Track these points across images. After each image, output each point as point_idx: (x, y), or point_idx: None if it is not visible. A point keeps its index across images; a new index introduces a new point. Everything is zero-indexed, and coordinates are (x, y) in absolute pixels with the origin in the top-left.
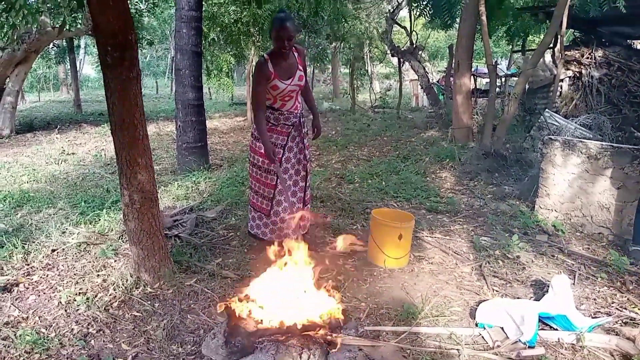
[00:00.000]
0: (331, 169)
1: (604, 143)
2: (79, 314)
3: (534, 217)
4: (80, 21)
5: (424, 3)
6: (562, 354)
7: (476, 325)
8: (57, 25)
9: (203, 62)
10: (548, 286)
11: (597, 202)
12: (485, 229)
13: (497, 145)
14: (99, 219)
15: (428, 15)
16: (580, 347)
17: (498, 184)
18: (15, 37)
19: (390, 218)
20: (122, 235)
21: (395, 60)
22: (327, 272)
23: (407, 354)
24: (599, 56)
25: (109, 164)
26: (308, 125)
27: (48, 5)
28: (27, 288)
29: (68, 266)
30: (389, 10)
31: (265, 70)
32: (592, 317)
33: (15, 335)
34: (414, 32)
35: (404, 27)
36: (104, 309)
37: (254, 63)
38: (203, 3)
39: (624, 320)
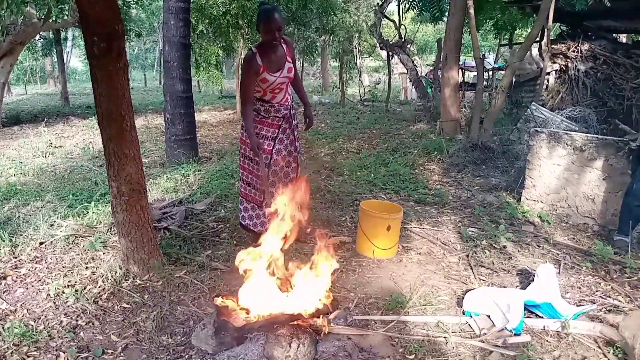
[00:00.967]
0: (320, 162)
1: (589, 135)
2: (68, 306)
3: (520, 208)
4: (67, 12)
5: None
6: (547, 341)
7: (463, 313)
8: (43, 17)
9: (192, 54)
10: (534, 275)
11: (582, 193)
12: (472, 220)
13: (484, 138)
14: (87, 212)
15: (417, 8)
16: (565, 334)
17: (485, 175)
18: (0, 28)
19: (379, 210)
20: (111, 228)
21: (384, 53)
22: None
23: (395, 342)
24: (585, 50)
25: (97, 157)
26: (299, 117)
27: None
28: (15, 281)
29: (56, 259)
30: (378, 3)
31: (253, 63)
32: (577, 305)
33: (3, 327)
34: (402, 26)
35: (393, 21)
36: (93, 301)
37: (242, 56)
38: None
39: (607, 308)
